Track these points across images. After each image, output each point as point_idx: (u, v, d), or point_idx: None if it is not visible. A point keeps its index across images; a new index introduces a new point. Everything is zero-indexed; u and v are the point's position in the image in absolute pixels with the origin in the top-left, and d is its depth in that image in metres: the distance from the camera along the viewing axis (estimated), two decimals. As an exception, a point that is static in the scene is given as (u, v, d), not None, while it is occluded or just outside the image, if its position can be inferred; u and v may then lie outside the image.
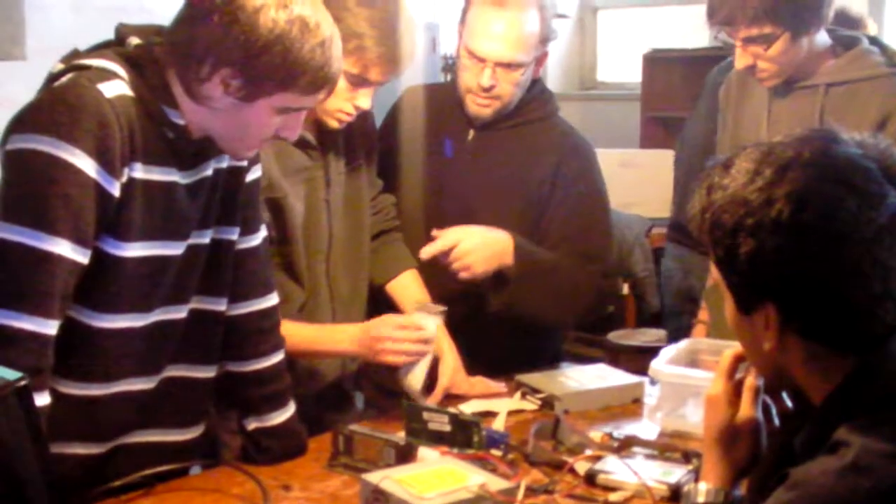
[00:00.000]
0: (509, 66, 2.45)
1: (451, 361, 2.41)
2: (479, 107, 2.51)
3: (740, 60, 2.44)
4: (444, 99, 2.65)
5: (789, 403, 1.54)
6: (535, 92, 2.61)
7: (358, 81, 2.23)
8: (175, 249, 1.81)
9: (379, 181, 2.57)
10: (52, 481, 1.31)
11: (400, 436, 2.00)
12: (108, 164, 1.65)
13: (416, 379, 2.28)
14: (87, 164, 1.63)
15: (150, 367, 1.87)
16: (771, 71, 2.44)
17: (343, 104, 2.26)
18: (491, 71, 2.45)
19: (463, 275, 2.39)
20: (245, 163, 1.93)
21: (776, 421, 1.56)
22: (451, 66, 6.27)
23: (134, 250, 1.74)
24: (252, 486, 1.86)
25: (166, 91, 1.73)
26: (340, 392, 2.49)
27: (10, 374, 1.29)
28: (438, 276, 2.52)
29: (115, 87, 1.67)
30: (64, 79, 1.69)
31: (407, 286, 2.53)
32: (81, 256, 1.67)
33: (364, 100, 2.27)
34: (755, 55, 2.41)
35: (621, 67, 6.67)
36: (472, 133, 2.59)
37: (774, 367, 1.39)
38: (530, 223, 2.54)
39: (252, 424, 2.04)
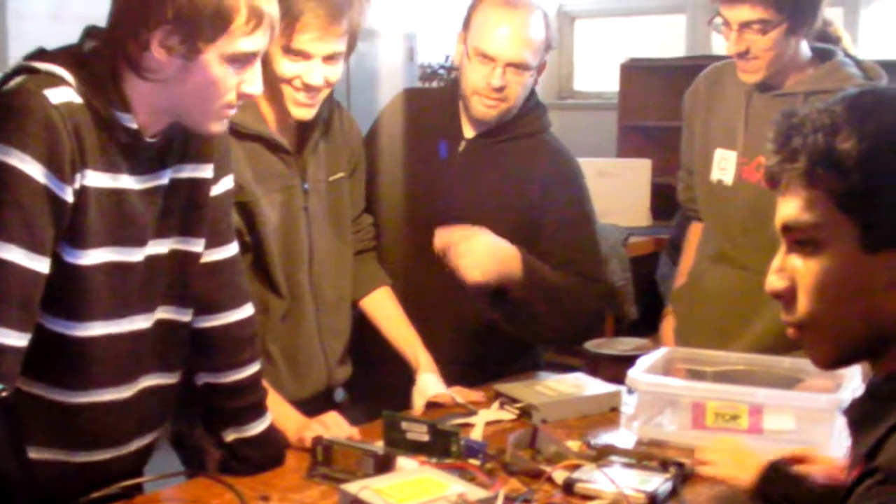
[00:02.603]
0: (518, 66, 2.47)
1: (430, 374, 2.43)
2: (486, 108, 2.51)
3: (734, 46, 2.44)
4: (439, 104, 2.65)
5: None
6: (531, 105, 2.62)
7: (292, 51, 2.18)
8: (134, 256, 1.80)
9: (362, 200, 2.56)
10: (34, 493, 1.31)
11: (378, 445, 2.01)
12: (58, 170, 1.63)
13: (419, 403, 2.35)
14: (35, 170, 1.61)
15: (126, 377, 1.86)
16: (763, 60, 2.45)
17: (292, 85, 2.21)
18: (501, 71, 2.46)
19: (472, 274, 2.39)
20: (210, 174, 1.91)
21: None
22: (429, 75, 6.30)
23: (91, 258, 1.72)
24: (231, 496, 1.86)
25: (117, 93, 1.71)
26: (327, 400, 2.48)
27: (-11, 386, 1.29)
28: (417, 287, 2.54)
29: (61, 94, 1.65)
30: (12, 83, 1.67)
31: (381, 302, 2.55)
32: (39, 265, 1.65)
33: (311, 74, 2.20)
34: (750, 42, 2.43)
35: (598, 77, 6.70)
36: (463, 143, 2.60)
37: (870, 320, 1.26)
38: (519, 240, 2.52)
39: (231, 435, 2.03)
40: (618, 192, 5.12)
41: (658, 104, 5.91)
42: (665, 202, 5.43)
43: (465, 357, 2.54)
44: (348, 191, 2.48)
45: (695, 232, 2.86)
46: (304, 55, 2.19)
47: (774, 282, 1.31)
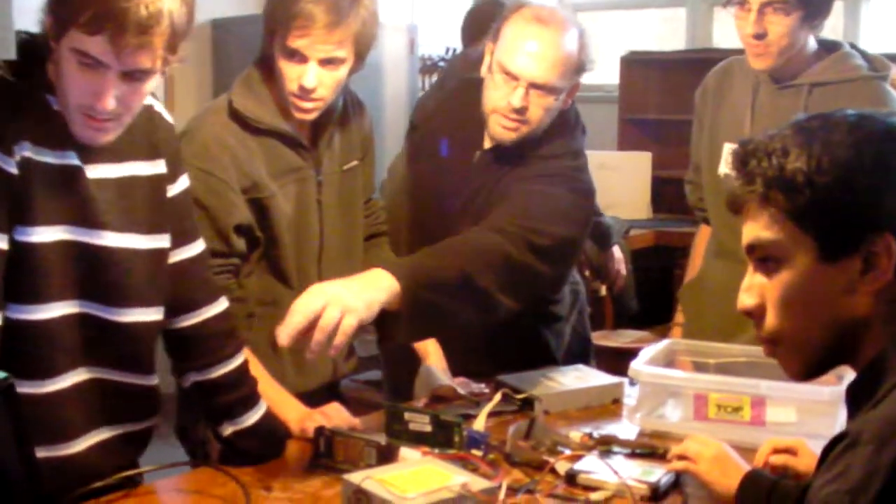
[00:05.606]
0: (543, 88, 2.30)
1: (434, 364, 2.43)
2: (503, 129, 2.34)
3: (752, 27, 2.42)
4: (477, 104, 2.46)
5: None
6: (567, 127, 2.46)
7: (288, 51, 2.15)
8: (94, 239, 1.76)
9: (372, 184, 2.53)
10: (37, 483, 1.30)
11: (381, 436, 2.01)
12: None
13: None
14: None
15: (90, 361, 1.82)
16: (777, 46, 2.43)
17: (290, 88, 2.18)
18: (524, 91, 2.29)
19: (347, 322, 1.91)
20: (164, 169, 1.88)
21: None
22: (429, 67, 6.30)
23: (42, 235, 1.69)
24: (233, 486, 1.86)
25: (47, 78, 1.70)
26: (332, 392, 2.46)
27: (-7, 375, 1.29)
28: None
29: None
30: None
31: None
32: None
33: (306, 76, 2.15)
34: (769, 24, 2.41)
35: (599, 69, 6.70)
36: (478, 154, 2.47)
37: (833, 326, 1.33)
38: None
39: (228, 429, 2.02)
40: (618, 185, 5.13)
41: (658, 97, 5.92)
42: (665, 195, 5.46)
43: (475, 342, 2.53)
44: (362, 177, 2.46)
45: (702, 234, 2.87)
46: (300, 57, 2.16)
47: (745, 300, 1.39)
